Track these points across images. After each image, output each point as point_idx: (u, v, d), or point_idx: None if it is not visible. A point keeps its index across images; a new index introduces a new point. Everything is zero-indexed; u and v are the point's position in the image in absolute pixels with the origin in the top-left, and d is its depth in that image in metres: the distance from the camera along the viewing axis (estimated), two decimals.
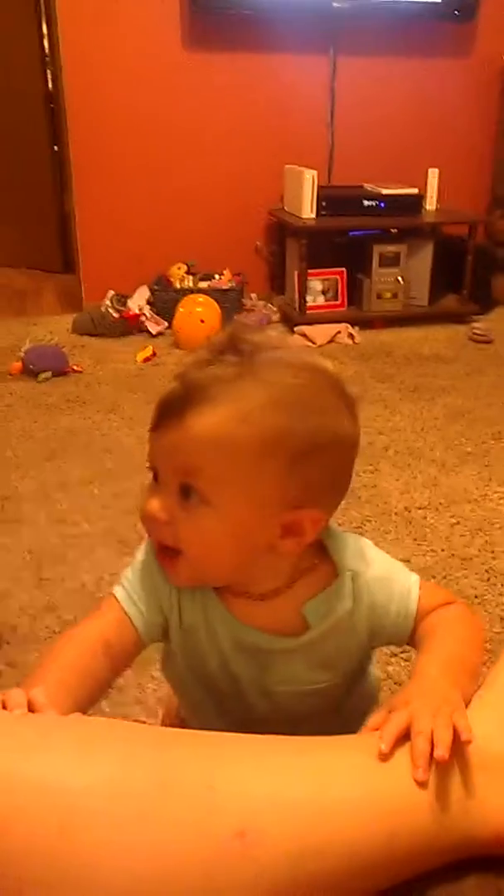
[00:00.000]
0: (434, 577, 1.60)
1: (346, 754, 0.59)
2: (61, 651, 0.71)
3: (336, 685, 0.75)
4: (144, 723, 1.22)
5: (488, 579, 1.59)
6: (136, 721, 1.22)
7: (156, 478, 0.66)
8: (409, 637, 0.74)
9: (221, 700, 0.75)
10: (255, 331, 0.65)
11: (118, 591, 0.73)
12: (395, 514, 1.82)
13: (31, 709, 0.59)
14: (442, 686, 0.62)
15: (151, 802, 0.52)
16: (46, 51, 3.57)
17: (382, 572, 0.73)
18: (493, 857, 0.58)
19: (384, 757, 0.56)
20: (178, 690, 0.83)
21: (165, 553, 0.67)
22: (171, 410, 0.62)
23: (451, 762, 0.57)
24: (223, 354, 0.62)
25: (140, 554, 0.74)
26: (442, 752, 0.55)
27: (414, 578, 0.75)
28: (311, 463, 0.63)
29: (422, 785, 0.56)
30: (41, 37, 3.60)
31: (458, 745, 0.57)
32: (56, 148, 3.69)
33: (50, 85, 3.61)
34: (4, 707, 0.59)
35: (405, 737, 0.57)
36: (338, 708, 0.78)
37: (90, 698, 0.69)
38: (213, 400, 0.61)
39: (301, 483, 0.63)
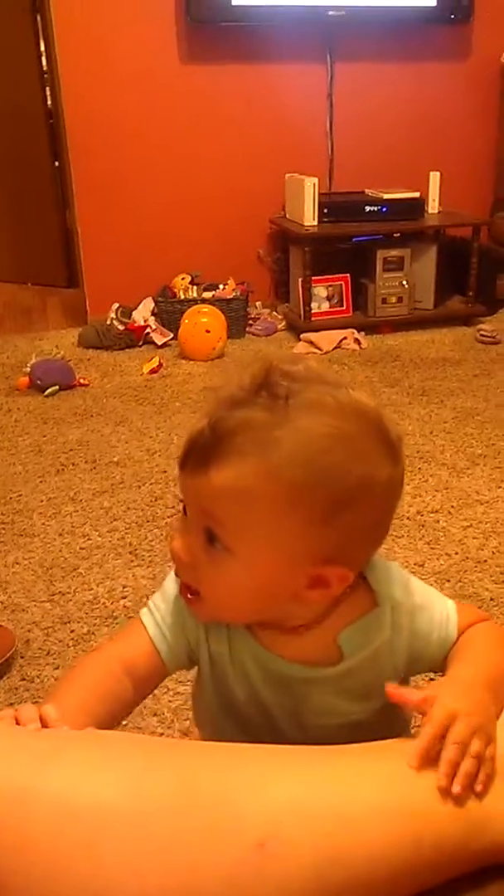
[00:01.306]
0: (448, 580, 1.58)
1: (369, 761, 0.58)
2: (83, 672, 0.70)
3: (372, 716, 0.72)
4: (161, 735, 1.21)
5: (503, 581, 1.58)
6: (152, 733, 1.21)
7: (185, 510, 0.64)
8: (443, 662, 0.72)
9: (255, 736, 0.73)
10: (293, 363, 0.62)
11: (145, 617, 0.72)
12: (408, 518, 1.81)
13: (43, 724, 0.58)
14: (479, 694, 0.61)
15: (171, 813, 0.51)
16: (45, 68, 3.60)
17: (422, 601, 0.72)
18: None
19: (420, 763, 0.56)
20: (207, 726, 0.80)
21: (188, 590, 0.66)
22: (197, 455, 0.60)
23: (476, 771, 0.56)
24: (257, 394, 0.59)
25: (169, 580, 0.73)
26: (458, 788, 0.55)
27: (451, 604, 0.73)
28: (343, 516, 0.60)
29: (444, 793, 0.55)
30: (39, 54, 3.63)
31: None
32: (57, 164, 3.72)
33: (49, 102, 3.64)
34: (17, 723, 0.58)
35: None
36: (374, 739, 0.76)
37: (111, 721, 0.68)
38: (239, 450, 0.58)
39: (332, 536, 0.60)
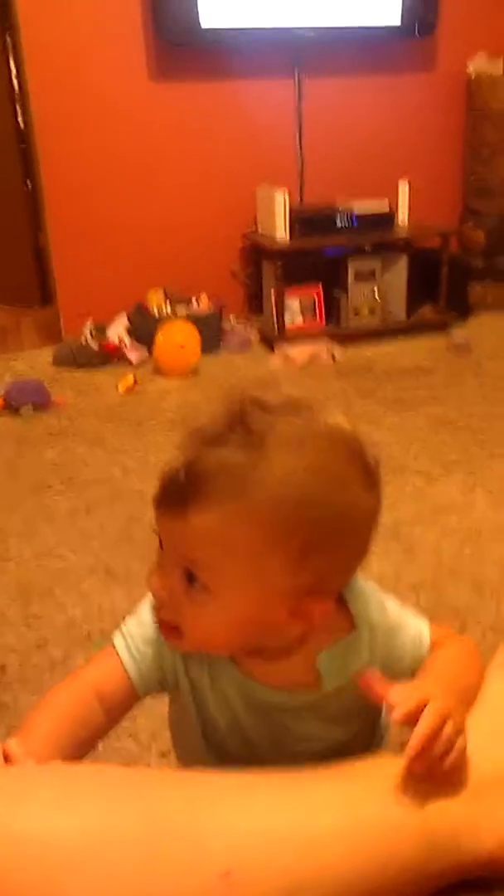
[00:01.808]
0: (424, 590, 1.59)
1: (334, 785, 0.58)
2: (56, 700, 0.70)
3: (352, 738, 0.73)
4: (139, 757, 1.21)
5: (478, 590, 1.59)
6: (128, 755, 1.21)
7: (161, 545, 0.64)
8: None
9: (236, 761, 0.73)
10: (266, 391, 0.61)
11: (118, 641, 0.72)
12: (383, 528, 1.81)
13: (7, 759, 0.58)
14: (448, 693, 0.62)
15: (137, 848, 0.51)
16: (16, 88, 3.60)
17: (397, 621, 0.72)
18: (488, 878, 0.57)
19: (400, 785, 0.56)
20: (188, 753, 0.79)
21: (167, 625, 0.65)
22: (172, 497, 0.59)
23: (441, 786, 0.56)
24: (231, 430, 0.58)
25: (144, 606, 0.72)
26: (418, 767, 0.55)
27: (423, 624, 0.74)
28: (324, 549, 0.60)
29: (413, 762, 0.55)
30: (10, 75, 3.63)
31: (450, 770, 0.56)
32: (29, 183, 3.71)
33: (21, 122, 3.64)
34: None
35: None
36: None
37: (82, 747, 0.68)
38: (216, 494, 0.57)
39: (312, 571, 0.61)
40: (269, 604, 0.61)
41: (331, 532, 0.60)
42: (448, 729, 0.56)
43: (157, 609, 0.65)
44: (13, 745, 0.59)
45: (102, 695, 0.70)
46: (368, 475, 0.63)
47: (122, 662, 0.71)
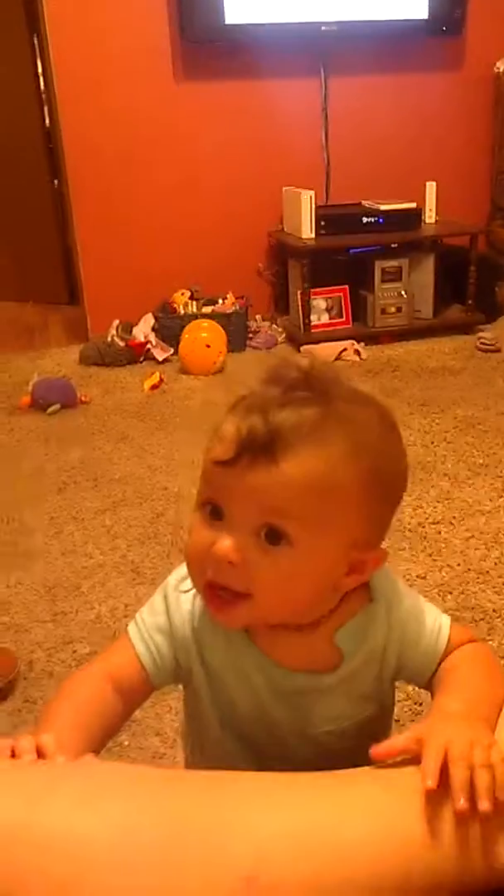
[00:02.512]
0: (451, 592, 1.58)
1: (359, 789, 0.57)
2: (73, 691, 0.70)
3: (375, 716, 0.73)
4: (164, 755, 1.21)
5: None
6: (154, 753, 1.21)
7: (216, 515, 0.61)
8: (428, 680, 0.71)
9: (254, 746, 0.72)
10: (308, 362, 0.63)
11: (132, 630, 0.72)
12: (409, 530, 1.81)
13: (40, 754, 0.59)
14: (466, 721, 0.60)
15: (159, 850, 0.51)
16: (43, 88, 3.63)
17: (414, 606, 0.72)
18: None
19: (432, 793, 0.53)
20: (205, 747, 0.78)
21: (221, 597, 0.62)
22: (259, 449, 0.58)
23: (492, 779, 0.55)
24: (294, 391, 0.60)
25: (158, 593, 0.72)
26: (486, 804, 0.52)
27: (445, 618, 0.72)
28: (385, 501, 0.64)
29: (465, 816, 0.52)
30: (37, 75, 3.67)
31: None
32: (56, 183, 3.74)
33: (47, 121, 3.67)
34: (14, 755, 0.58)
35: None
36: (370, 738, 0.76)
37: (103, 738, 0.68)
38: (307, 443, 0.58)
39: (375, 522, 0.64)
40: (342, 555, 0.62)
41: (397, 482, 0.64)
42: (481, 763, 0.54)
43: (221, 575, 0.60)
44: (48, 740, 0.59)
45: (118, 684, 0.70)
46: (400, 439, 0.66)
47: (135, 651, 0.71)
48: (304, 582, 0.62)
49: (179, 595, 0.71)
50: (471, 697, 0.64)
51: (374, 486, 0.61)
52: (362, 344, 3.12)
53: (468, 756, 0.55)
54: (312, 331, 3.17)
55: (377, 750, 0.57)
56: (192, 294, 3.23)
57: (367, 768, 0.59)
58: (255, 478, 0.58)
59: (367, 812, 0.55)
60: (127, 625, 0.74)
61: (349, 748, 0.70)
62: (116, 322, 3.15)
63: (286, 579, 0.61)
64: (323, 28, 3.08)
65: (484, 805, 0.52)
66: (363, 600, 0.69)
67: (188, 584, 0.69)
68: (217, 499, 0.61)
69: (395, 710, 0.82)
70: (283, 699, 0.69)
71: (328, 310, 3.26)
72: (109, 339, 3.09)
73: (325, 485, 0.59)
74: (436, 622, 0.72)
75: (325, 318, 3.25)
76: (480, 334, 3.17)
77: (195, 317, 3.08)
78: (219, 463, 0.60)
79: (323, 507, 0.59)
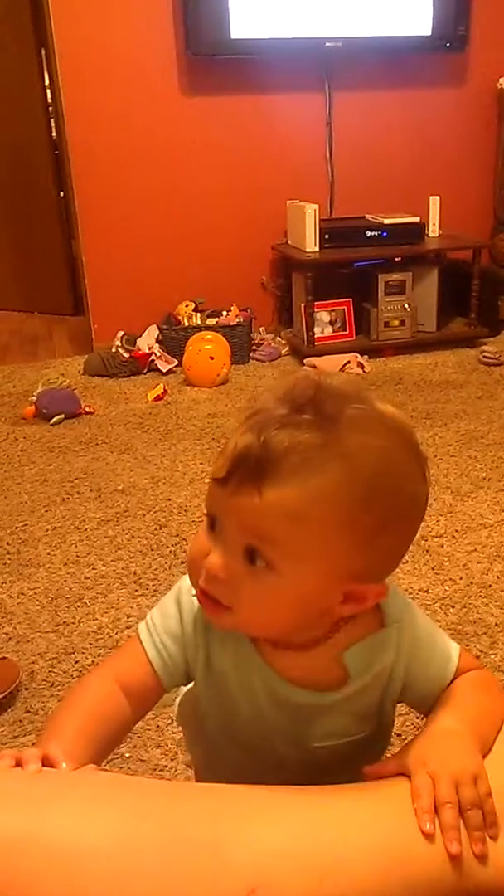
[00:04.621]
0: (453, 606, 1.58)
1: (358, 804, 0.57)
2: (82, 695, 0.70)
3: (372, 735, 0.73)
4: (165, 767, 1.21)
5: None
6: (155, 766, 1.21)
7: (213, 527, 0.62)
8: (430, 706, 0.71)
9: (249, 751, 0.73)
10: (328, 378, 0.61)
11: (142, 633, 0.72)
12: (412, 543, 1.80)
13: (46, 764, 0.59)
14: (458, 744, 0.60)
15: (160, 862, 0.51)
16: (50, 100, 3.66)
17: (427, 632, 0.71)
18: None
19: (430, 837, 0.55)
20: (193, 739, 0.80)
21: (212, 602, 0.63)
22: (246, 472, 0.58)
23: (482, 817, 0.56)
24: (301, 412, 0.58)
25: (170, 597, 0.72)
26: (479, 847, 0.54)
27: (455, 647, 0.72)
28: (386, 535, 0.60)
29: (457, 858, 0.54)
30: (44, 87, 3.70)
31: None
32: (62, 194, 3.77)
33: (54, 133, 3.70)
34: (19, 765, 0.59)
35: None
36: (367, 753, 0.76)
37: (110, 743, 0.68)
38: (294, 471, 0.56)
39: (374, 555, 0.61)
40: (330, 585, 0.61)
41: (398, 514, 0.60)
42: (469, 802, 0.56)
43: (208, 586, 0.62)
44: (54, 749, 0.59)
45: (128, 688, 0.70)
46: (423, 465, 0.63)
47: (147, 656, 0.71)
48: (284, 606, 0.61)
49: (192, 599, 0.70)
50: (468, 716, 0.64)
51: (368, 518, 0.58)
52: (366, 357, 3.13)
53: (453, 798, 0.55)
54: (316, 343, 3.18)
55: (369, 770, 0.58)
56: (196, 306, 3.24)
57: (367, 783, 0.59)
58: (239, 500, 0.58)
59: (368, 826, 0.55)
60: (129, 635, 0.74)
61: (342, 763, 0.71)
62: (121, 333, 3.16)
63: (265, 600, 0.61)
64: (328, 44, 3.11)
65: (478, 849, 0.54)
66: (376, 623, 0.69)
67: None
68: (213, 512, 0.62)
69: (397, 723, 0.83)
70: (283, 710, 0.69)
71: (332, 322, 3.27)
72: (114, 349, 3.10)
73: (304, 516, 0.57)
74: (446, 646, 0.72)
75: (328, 331, 3.26)
76: (483, 348, 3.18)
77: (199, 329, 3.09)
78: (216, 479, 0.60)
79: (301, 537, 0.58)
